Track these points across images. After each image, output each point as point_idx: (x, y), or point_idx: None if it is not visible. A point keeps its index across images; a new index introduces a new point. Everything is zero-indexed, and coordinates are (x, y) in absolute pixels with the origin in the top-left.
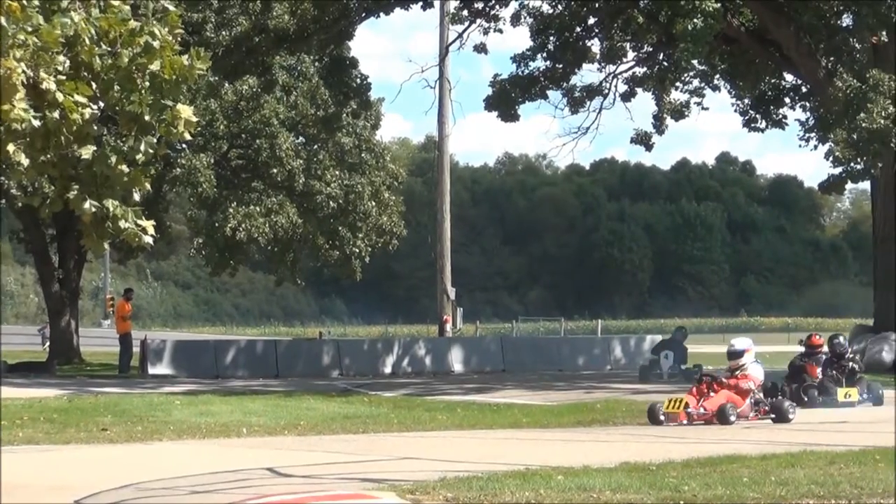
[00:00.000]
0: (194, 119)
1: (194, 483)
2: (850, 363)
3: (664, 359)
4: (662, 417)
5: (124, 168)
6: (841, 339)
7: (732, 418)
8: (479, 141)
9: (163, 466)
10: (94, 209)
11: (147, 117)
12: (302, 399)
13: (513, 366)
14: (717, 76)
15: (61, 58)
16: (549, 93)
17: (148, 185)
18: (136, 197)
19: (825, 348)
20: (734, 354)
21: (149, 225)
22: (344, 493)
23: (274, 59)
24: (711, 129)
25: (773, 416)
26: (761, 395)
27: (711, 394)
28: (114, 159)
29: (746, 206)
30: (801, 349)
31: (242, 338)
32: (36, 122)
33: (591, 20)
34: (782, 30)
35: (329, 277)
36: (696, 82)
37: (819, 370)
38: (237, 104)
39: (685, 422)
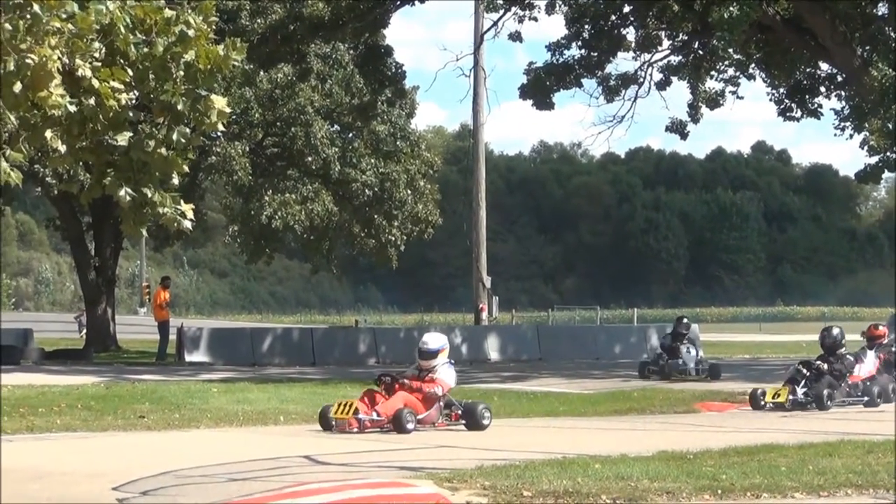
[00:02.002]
0: (227, 110)
1: (232, 470)
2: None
3: (687, 352)
4: (333, 423)
5: (162, 152)
6: (835, 331)
7: (410, 426)
8: (514, 129)
9: (200, 454)
10: (130, 196)
11: (180, 107)
12: (338, 387)
13: (549, 354)
14: (753, 65)
15: (97, 44)
16: (584, 81)
17: (186, 169)
18: (175, 181)
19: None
20: (427, 354)
21: (188, 209)
22: (381, 480)
23: (309, 48)
24: (747, 117)
25: (465, 421)
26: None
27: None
28: (151, 144)
29: (782, 195)
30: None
31: (279, 325)
32: (72, 109)
33: (627, 8)
34: (817, 18)
35: (365, 265)
36: (731, 71)
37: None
38: (272, 92)
39: (356, 429)
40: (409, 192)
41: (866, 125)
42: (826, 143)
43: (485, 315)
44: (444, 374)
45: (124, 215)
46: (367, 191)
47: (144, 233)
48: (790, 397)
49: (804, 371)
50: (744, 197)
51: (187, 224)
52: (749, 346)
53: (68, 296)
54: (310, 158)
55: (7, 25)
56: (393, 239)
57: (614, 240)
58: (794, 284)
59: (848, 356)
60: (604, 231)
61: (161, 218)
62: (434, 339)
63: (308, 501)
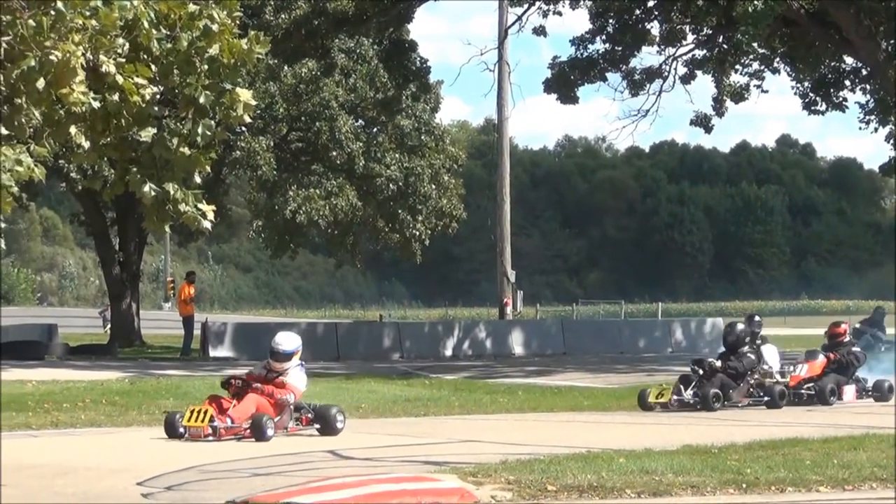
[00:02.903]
0: (253, 102)
1: (256, 465)
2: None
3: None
4: (182, 431)
5: (185, 150)
6: (739, 327)
7: (270, 432)
8: (538, 123)
9: (225, 449)
10: (153, 192)
11: (203, 100)
12: (363, 382)
13: (573, 349)
14: (777, 59)
15: (120, 41)
16: (609, 75)
17: (208, 168)
18: (197, 179)
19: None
20: (281, 356)
21: (209, 209)
22: (405, 475)
23: (333, 43)
24: (771, 111)
25: (317, 425)
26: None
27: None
28: (175, 142)
29: (807, 188)
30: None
31: (303, 320)
32: (96, 105)
33: (651, 2)
34: (842, 12)
35: (389, 260)
36: (755, 65)
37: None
38: (296, 87)
39: (211, 438)
40: (434, 186)
41: (891, 118)
42: (851, 136)
43: (509, 310)
44: (296, 380)
45: (147, 212)
46: (391, 185)
47: (167, 230)
48: (674, 397)
49: (697, 370)
50: (768, 191)
51: (206, 224)
52: (774, 340)
53: (92, 291)
54: (334, 153)
55: (31, 22)
56: (417, 234)
57: (639, 234)
58: (819, 278)
59: (749, 355)
60: (628, 225)
61: (182, 216)
62: (289, 340)
63: (332, 496)
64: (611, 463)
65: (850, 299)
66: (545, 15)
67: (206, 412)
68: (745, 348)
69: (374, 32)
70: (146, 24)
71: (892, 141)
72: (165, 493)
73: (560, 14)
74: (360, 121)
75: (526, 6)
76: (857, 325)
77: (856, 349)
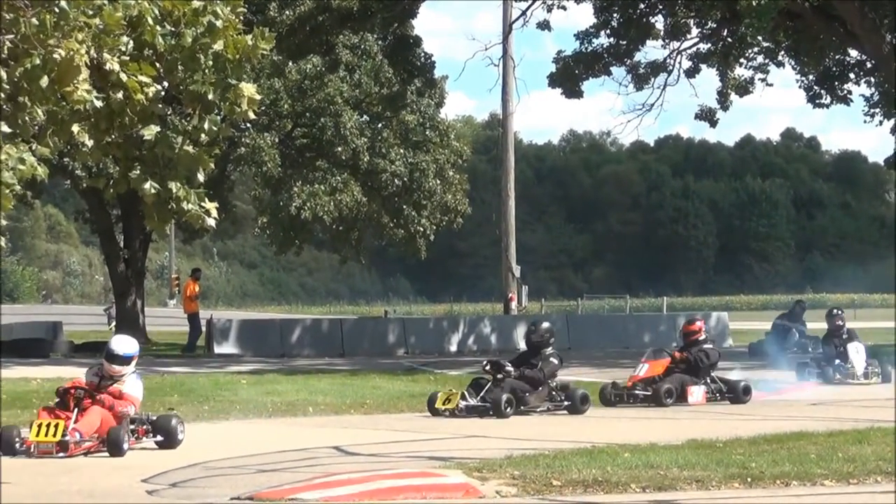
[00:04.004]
0: (258, 97)
1: (262, 462)
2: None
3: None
4: (23, 448)
5: (188, 148)
6: (543, 325)
7: (125, 445)
8: (543, 118)
9: (229, 445)
10: (154, 190)
11: (210, 96)
12: (368, 378)
13: (578, 343)
14: (782, 52)
15: (125, 38)
16: (613, 69)
17: (212, 165)
18: (201, 177)
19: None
20: (119, 359)
21: (212, 207)
22: (410, 471)
23: (337, 39)
24: (776, 105)
25: (157, 438)
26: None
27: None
28: (179, 140)
29: (811, 182)
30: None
31: (308, 317)
32: (98, 103)
33: None
34: (847, 5)
35: (394, 256)
36: (760, 58)
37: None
38: (301, 83)
39: (61, 454)
40: (438, 181)
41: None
42: (855, 129)
43: (514, 304)
44: (134, 389)
45: (148, 210)
46: (396, 181)
47: (168, 230)
48: (462, 403)
49: (491, 372)
50: (773, 184)
51: (211, 222)
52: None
53: (97, 288)
54: (339, 149)
55: (34, 20)
56: (422, 229)
57: (643, 228)
58: (824, 272)
59: (552, 360)
60: (633, 220)
61: (185, 215)
62: (127, 345)
63: (338, 492)
64: (615, 458)
65: (854, 293)
66: (549, 9)
67: (57, 426)
68: (549, 350)
69: (378, 28)
70: (150, 21)
71: None
72: (170, 489)
73: (564, 8)
74: (365, 116)
75: (530, 1)
76: (778, 321)
77: (707, 347)
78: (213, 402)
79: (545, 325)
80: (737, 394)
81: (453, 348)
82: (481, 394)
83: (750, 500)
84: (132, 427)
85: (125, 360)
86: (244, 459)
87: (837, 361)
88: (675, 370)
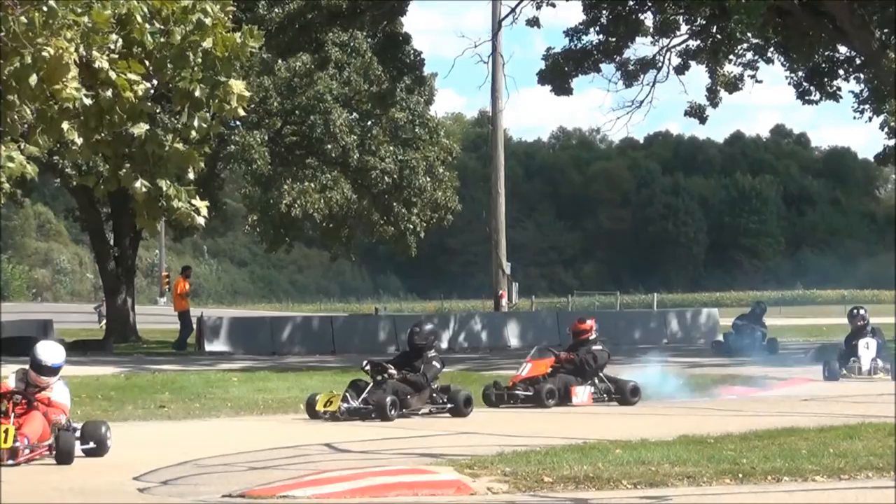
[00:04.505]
0: (247, 94)
1: (253, 459)
2: None
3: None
4: None
5: (178, 146)
6: (427, 327)
7: (75, 451)
8: (532, 115)
9: (221, 443)
10: (145, 188)
11: (199, 94)
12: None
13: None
14: (771, 49)
15: (114, 36)
16: (603, 66)
17: (202, 164)
18: (191, 175)
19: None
20: (48, 370)
21: (202, 205)
22: (402, 468)
23: (327, 36)
24: (765, 101)
25: (88, 445)
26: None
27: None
28: (168, 137)
29: (801, 178)
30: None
31: (299, 314)
32: (87, 101)
33: None
34: (836, 1)
35: (384, 253)
36: (749, 55)
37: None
38: (291, 81)
39: (10, 461)
40: (428, 179)
41: (885, 107)
42: (845, 125)
43: (504, 301)
44: (62, 397)
45: (138, 208)
46: (385, 178)
47: (159, 228)
48: (343, 405)
49: (371, 373)
50: (763, 181)
51: (200, 220)
52: (770, 330)
53: (87, 286)
54: (329, 146)
55: (22, 18)
56: (412, 226)
57: (633, 225)
58: (814, 268)
59: (434, 362)
60: (623, 217)
61: (175, 213)
62: (55, 353)
63: (329, 489)
64: (607, 454)
65: (845, 289)
66: (539, 6)
67: (7, 431)
68: (432, 352)
69: (367, 26)
70: (139, 19)
71: (886, 130)
72: (162, 487)
73: (553, 5)
74: (355, 114)
75: None
76: (738, 321)
77: (596, 349)
78: (205, 399)
79: (428, 326)
80: (624, 395)
81: (444, 345)
82: (362, 395)
83: (741, 496)
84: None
85: (53, 371)
86: (235, 457)
87: (853, 359)
88: (561, 370)
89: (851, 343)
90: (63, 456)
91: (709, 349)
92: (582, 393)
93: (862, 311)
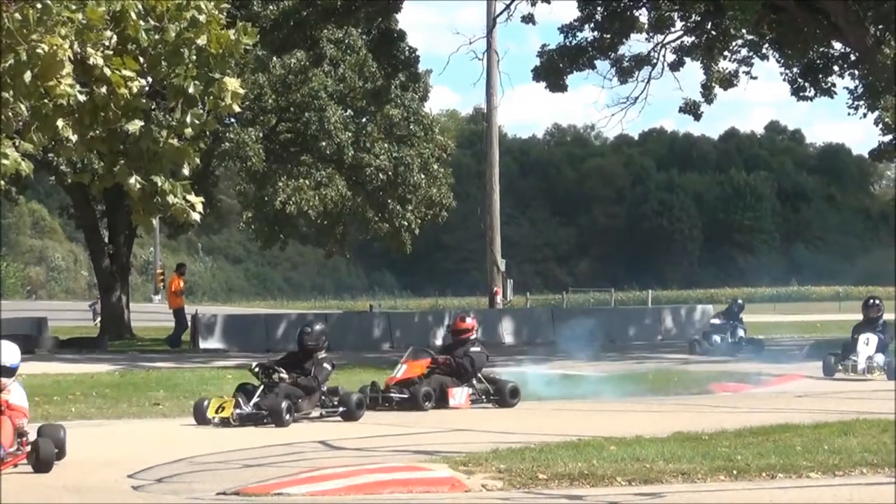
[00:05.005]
0: (241, 91)
1: (247, 457)
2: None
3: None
4: None
5: (173, 142)
6: (317, 327)
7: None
8: (527, 112)
9: (216, 440)
10: (139, 184)
11: (193, 90)
12: (353, 372)
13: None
14: (766, 45)
15: (108, 33)
16: (597, 63)
17: (197, 160)
18: (186, 171)
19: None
20: (6, 371)
21: (197, 201)
22: (396, 465)
23: (322, 33)
24: (760, 98)
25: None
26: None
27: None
28: (163, 134)
29: (796, 174)
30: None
31: (293, 311)
32: (82, 98)
33: None
34: None
35: (379, 250)
36: (744, 51)
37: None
38: (285, 78)
39: None
40: (423, 175)
41: (880, 103)
42: (839, 122)
43: (499, 298)
44: (21, 399)
45: (134, 205)
46: (380, 175)
47: (155, 222)
48: (236, 411)
49: (263, 378)
50: (757, 177)
51: (196, 216)
52: (764, 327)
53: (82, 284)
54: (323, 143)
55: (17, 15)
56: (407, 223)
57: (628, 222)
58: (809, 264)
59: (325, 364)
60: (617, 213)
61: (170, 208)
62: (13, 354)
63: (324, 486)
64: (601, 451)
65: (840, 285)
66: (533, 3)
67: None
68: (322, 354)
69: (362, 22)
70: (133, 16)
71: (880, 126)
72: (156, 485)
73: (548, 2)
74: (349, 111)
75: None
76: (716, 320)
77: (474, 351)
78: (199, 396)
79: (319, 327)
80: (503, 396)
81: (438, 342)
82: (253, 400)
83: (735, 493)
84: (19, 440)
85: (11, 372)
86: (230, 454)
87: (852, 356)
88: (437, 371)
89: (854, 336)
90: (42, 465)
91: (688, 348)
92: (459, 395)
93: (878, 302)
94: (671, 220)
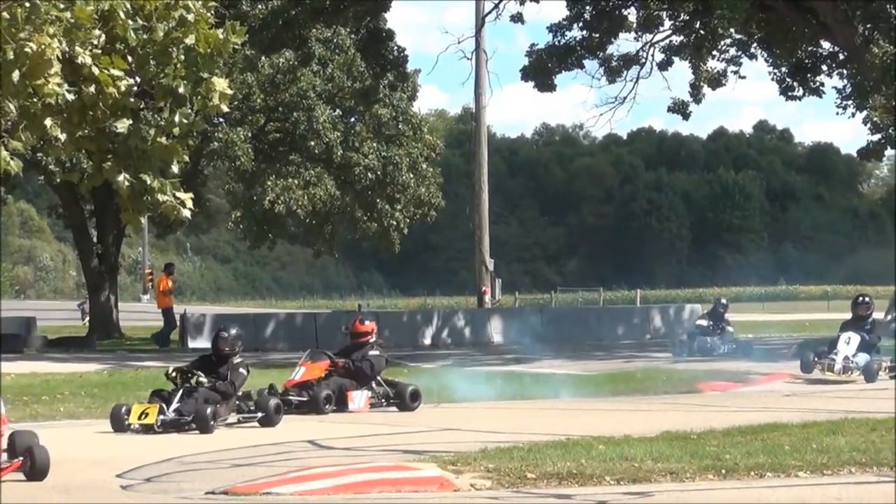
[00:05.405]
0: (229, 91)
1: (236, 456)
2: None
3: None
4: None
5: (162, 140)
6: (233, 332)
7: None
8: (516, 112)
9: (204, 440)
10: (128, 182)
11: (182, 90)
12: None
13: (552, 336)
14: (754, 44)
15: (96, 32)
16: (586, 62)
17: (186, 157)
18: (175, 169)
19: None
20: None
21: (187, 198)
22: (385, 464)
23: (310, 32)
24: (748, 97)
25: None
26: None
27: None
28: (152, 132)
29: (784, 174)
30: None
31: (282, 311)
32: (70, 97)
33: None
34: None
35: (368, 250)
36: (732, 51)
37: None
38: (274, 77)
39: None
40: (412, 175)
41: (868, 102)
42: (828, 121)
43: (488, 298)
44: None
45: (123, 203)
46: (369, 174)
47: (144, 221)
48: (160, 418)
49: (180, 383)
50: (746, 176)
51: (186, 213)
52: (752, 326)
53: (70, 284)
54: (312, 143)
55: (5, 14)
56: (395, 223)
57: (617, 221)
58: (798, 263)
59: (241, 370)
60: (606, 212)
61: (160, 206)
62: None
63: (313, 486)
64: (590, 450)
65: (828, 284)
66: (522, 2)
67: None
68: (238, 359)
69: (351, 22)
70: (122, 15)
71: (869, 125)
72: (145, 484)
73: (537, 1)
74: (338, 110)
75: None
76: (702, 322)
77: (373, 354)
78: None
79: (233, 331)
80: (403, 400)
81: (427, 341)
82: (173, 405)
83: (724, 492)
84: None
85: None
86: (219, 454)
87: (832, 354)
88: (335, 373)
89: (838, 334)
90: (38, 473)
91: (674, 349)
92: (359, 398)
93: (868, 300)
94: (660, 220)
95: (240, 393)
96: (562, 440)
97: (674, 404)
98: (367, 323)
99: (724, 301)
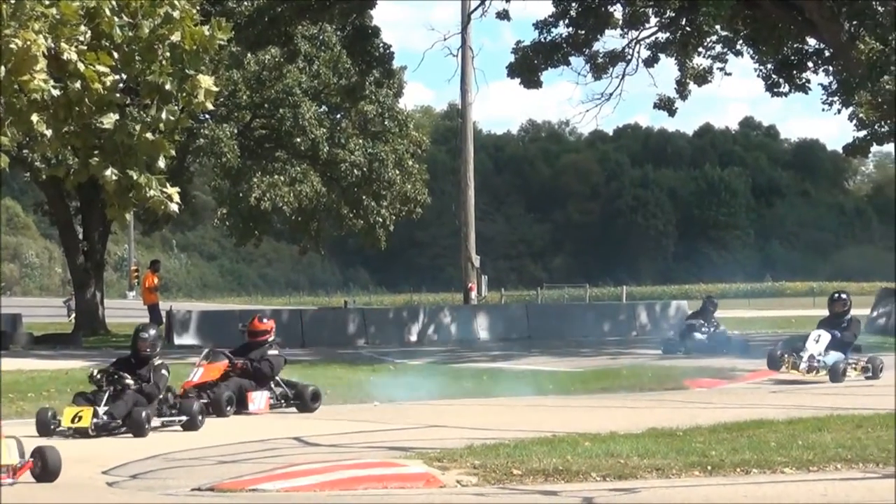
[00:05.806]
0: (215, 89)
1: (222, 453)
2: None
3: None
4: None
5: (148, 136)
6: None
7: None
8: (502, 108)
9: (190, 436)
10: (115, 177)
11: (168, 87)
12: (328, 368)
13: (538, 333)
14: (740, 41)
15: (82, 28)
16: (572, 59)
17: (172, 152)
18: (161, 164)
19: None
20: None
21: (174, 192)
22: (371, 461)
23: (296, 29)
24: (734, 94)
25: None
26: None
27: None
28: (137, 128)
29: (770, 170)
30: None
31: (268, 307)
32: (55, 93)
33: None
34: None
35: (353, 246)
36: (718, 47)
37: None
38: (260, 74)
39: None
40: (398, 172)
41: (854, 99)
42: (814, 118)
43: (474, 294)
44: None
45: (109, 199)
46: (355, 171)
47: (129, 217)
48: (94, 421)
49: (106, 385)
50: (732, 173)
51: (174, 207)
52: (739, 322)
53: (56, 280)
54: (298, 140)
55: None
56: (381, 219)
57: (603, 218)
58: (783, 260)
59: (163, 371)
60: (592, 209)
61: (147, 201)
62: None
63: (299, 482)
64: (576, 447)
65: (814, 281)
66: None
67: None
68: (158, 360)
69: (337, 19)
70: (107, 12)
71: (855, 121)
72: (131, 481)
73: None
74: (324, 107)
75: None
76: (691, 320)
77: (272, 354)
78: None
79: (153, 331)
80: (304, 400)
81: (413, 338)
82: (102, 409)
83: (710, 488)
84: None
85: None
86: (204, 451)
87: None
88: (233, 374)
89: (808, 332)
90: (49, 475)
91: (663, 347)
92: (259, 399)
93: (844, 297)
94: (646, 216)
95: (161, 396)
96: (548, 437)
97: (660, 401)
98: (265, 321)
99: (713, 299)
